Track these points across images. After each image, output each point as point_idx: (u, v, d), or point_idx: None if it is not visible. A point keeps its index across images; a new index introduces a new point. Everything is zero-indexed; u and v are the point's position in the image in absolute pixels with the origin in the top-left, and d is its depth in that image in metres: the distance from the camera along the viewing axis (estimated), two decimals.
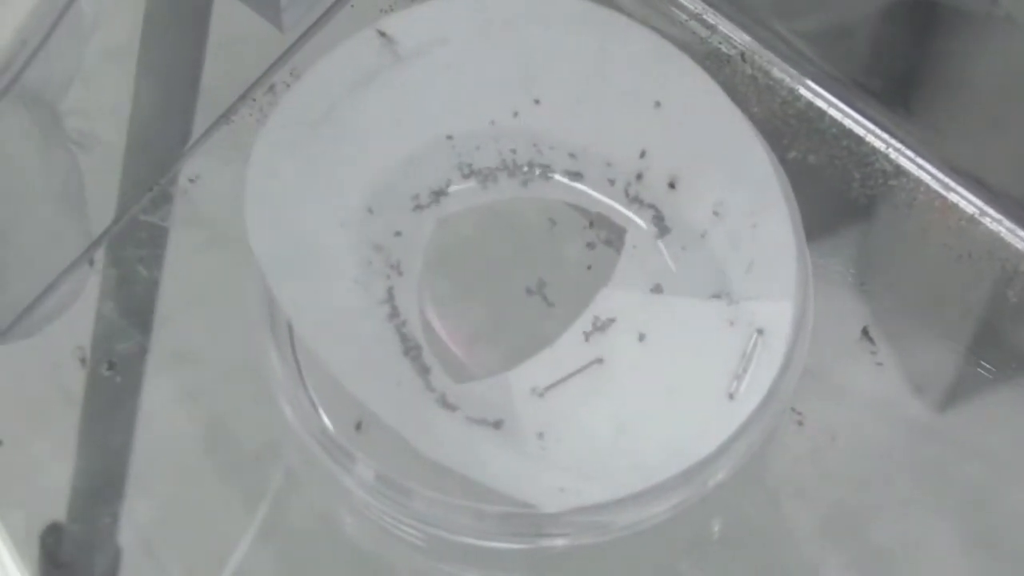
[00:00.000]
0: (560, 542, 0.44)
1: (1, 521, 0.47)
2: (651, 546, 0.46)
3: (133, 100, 0.54)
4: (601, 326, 0.48)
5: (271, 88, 0.53)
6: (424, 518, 0.45)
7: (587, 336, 0.48)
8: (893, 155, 0.52)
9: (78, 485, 0.48)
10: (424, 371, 0.47)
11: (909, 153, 0.52)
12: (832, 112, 0.53)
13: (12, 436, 0.49)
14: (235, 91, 0.53)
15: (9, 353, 0.51)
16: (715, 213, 0.49)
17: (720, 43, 0.55)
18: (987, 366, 0.50)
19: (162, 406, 0.50)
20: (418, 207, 0.50)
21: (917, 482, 0.48)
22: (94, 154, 0.55)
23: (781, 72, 0.54)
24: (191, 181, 0.52)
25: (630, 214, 0.50)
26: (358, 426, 0.45)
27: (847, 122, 0.53)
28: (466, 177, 0.51)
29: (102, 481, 0.49)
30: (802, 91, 0.54)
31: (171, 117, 0.55)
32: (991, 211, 0.51)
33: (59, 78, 0.54)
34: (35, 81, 0.53)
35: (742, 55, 0.54)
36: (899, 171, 0.52)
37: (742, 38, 0.54)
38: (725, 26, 0.55)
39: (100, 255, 0.52)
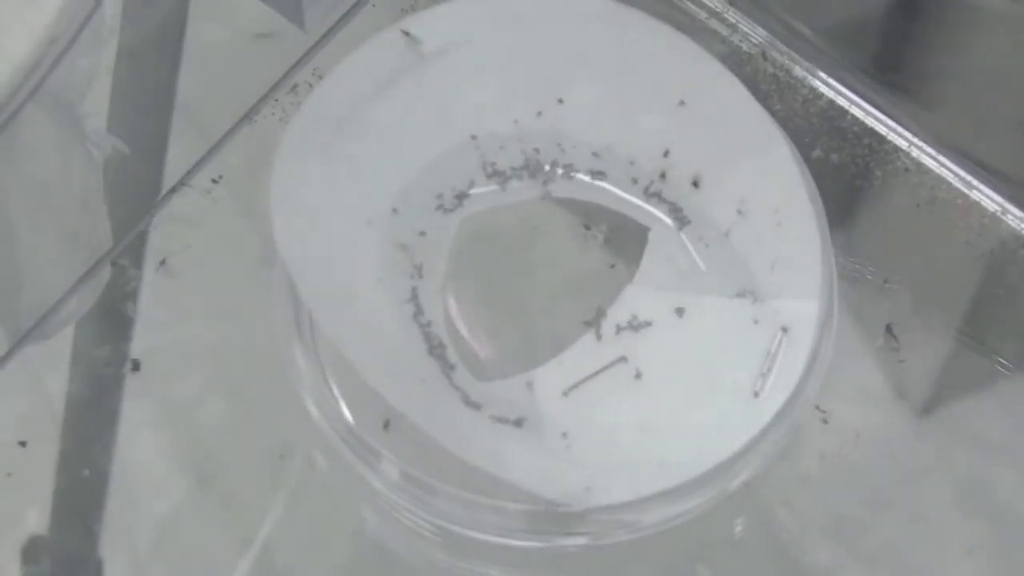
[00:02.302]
0: (582, 541, 0.45)
1: None
2: (673, 546, 0.46)
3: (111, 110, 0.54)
4: (625, 325, 0.48)
5: (294, 88, 0.53)
6: (448, 516, 0.45)
7: (611, 335, 0.48)
8: (915, 153, 0.52)
9: (59, 497, 0.48)
10: (449, 370, 0.47)
11: (931, 151, 0.52)
12: (854, 110, 0.53)
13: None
14: (257, 91, 0.53)
15: (28, 356, 0.51)
16: (739, 211, 0.49)
17: (741, 41, 0.55)
18: (1006, 363, 0.50)
19: (176, 405, 0.50)
20: (442, 207, 0.50)
21: (941, 480, 0.48)
22: (114, 156, 0.54)
23: (802, 70, 0.54)
24: (214, 181, 0.52)
25: (654, 212, 0.50)
26: (386, 425, 0.45)
27: (869, 120, 0.53)
28: (490, 177, 0.51)
29: (84, 492, 0.49)
30: (824, 89, 0.54)
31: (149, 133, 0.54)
32: (1013, 209, 0.51)
33: (79, 80, 0.54)
34: (56, 83, 0.53)
35: (763, 53, 0.54)
36: (921, 169, 0.52)
37: (763, 36, 0.54)
38: (746, 24, 0.55)
39: (119, 256, 0.52)
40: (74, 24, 0.49)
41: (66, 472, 0.49)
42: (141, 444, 0.49)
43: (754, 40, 0.54)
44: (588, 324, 0.48)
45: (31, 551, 0.47)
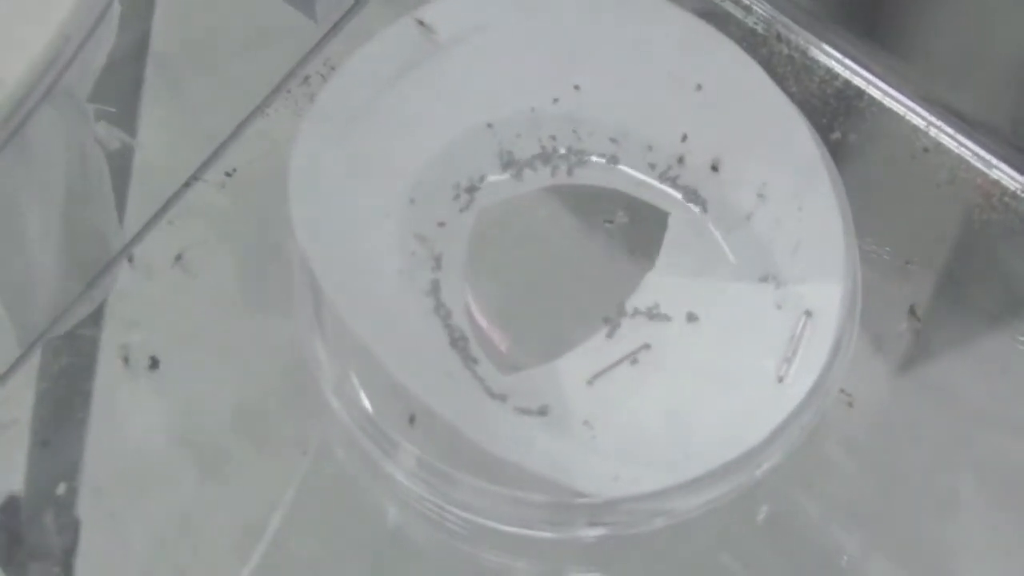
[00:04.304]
0: (607, 532, 0.44)
1: None
2: (698, 534, 0.46)
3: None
4: (647, 312, 0.48)
5: (306, 80, 0.53)
6: (471, 507, 0.44)
7: (634, 322, 0.48)
8: (934, 132, 0.52)
9: (35, 459, 0.48)
10: (472, 362, 0.47)
11: (950, 130, 0.52)
12: (871, 91, 0.53)
13: None
14: (269, 83, 0.53)
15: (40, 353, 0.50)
16: (759, 195, 0.48)
17: (756, 23, 0.54)
18: None
19: (194, 400, 0.49)
20: (459, 196, 0.50)
21: (967, 462, 0.48)
22: (126, 151, 0.54)
23: (818, 51, 0.53)
24: (228, 175, 0.52)
25: (673, 197, 0.50)
26: (411, 419, 0.45)
27: (887, 100, 0.53)
28: (506, 165, 0.50)
29: (60, 454, 0.48)
30: (840, 69, 0.53)
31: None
32: None
33: (88, 75, 0.54)
34: (68, 79, 0.52)
35: (778, 35, 0.54)
36: (940, 148, 0.52)
37: (778, 18, 0.54)
38: (760, 6, 0.54)
39: (133, 252, 0.51)
40: (88, 20, 0.49)
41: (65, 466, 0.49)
42: (158, 438, 0.49)
43: (769, 22, 0.54)
44: (607, 321, 0.48)
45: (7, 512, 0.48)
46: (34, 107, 0.49)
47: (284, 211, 0.46)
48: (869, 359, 0.49)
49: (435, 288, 0.48)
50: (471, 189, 0.50)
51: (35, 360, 0.50)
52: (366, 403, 0.46)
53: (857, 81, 0.53)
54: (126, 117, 0.54)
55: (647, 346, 0.48)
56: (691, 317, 0.48)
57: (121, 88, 0.55)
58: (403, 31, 0.49)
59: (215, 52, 0.56)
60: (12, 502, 0.48)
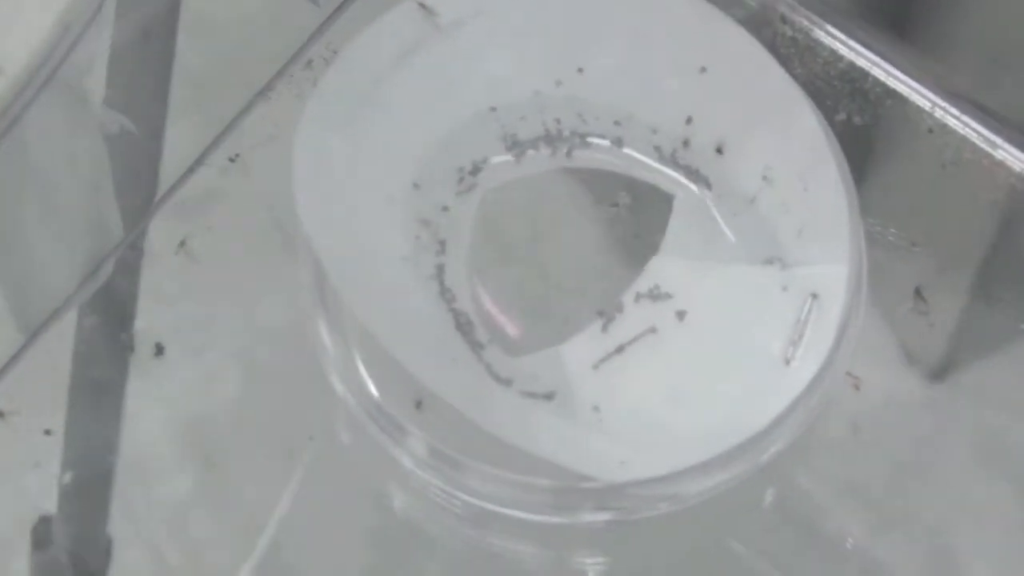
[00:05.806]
0: (613, 517, 0.44)
1: None
2: (705, 519, 0.46)
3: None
4: (653, 295, 0.48)
5: (309, 64, 0.53)
6: (478, 493, 0.44)
7: (639, 306, 0.48)
8: (939, 114, 0.52)
9: (67, 477, 0.48)
10: (478, 347, 0.47)
11: (955, 111, 0.52)
12: (875, 72, 0.53)
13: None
14: (272, 67, 0.53)
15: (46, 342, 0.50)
16: (764, 178, 0.48)
17: (759, 5, 0.54)
18: None
19: (199, 386, 0.49)
20: (464, 180, 0.50)
21: (972, 445, 0.48)
22: (128, 138, 0.54)
23: (822, 32, 0.53)
24: (231, 160, 0.52)
25: (678, 180, 0.50)
26: (418, 405, 0.45)
27: (891, 81, 0.53)
28: (510, 148, 0.50)
29: (92, 472, 0.48)
30: (844, 51, 0.53)
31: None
32: None
33: (88, 63, 0.54)
34: (67, 68, 0.52)
35: (782, 16, 0.54)
36: (945, 129, 0.52)
37: None
38: None
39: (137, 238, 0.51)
40: (89, 9, 0.49)
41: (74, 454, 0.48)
42: (163, 424, 0.49)
43: (773, 3, 0.54)
44: (612, 305, 0.48)
45: (40, 532, 0.47)
46: (34, 96, 0.49)
47: (288, 196, 0.46)
48: (875, 341, 0.49)
49: (439, 272, 0.48)
50: (475, 171, 0.50)
51: (38, 349, 0.50)
52: (372, 388, 0.46)
53: (862, 62, 0.53)
54: (129, 103, 0.54)
55: (652, 330, 0.47)
56: (696, 300, 0.48)
57: (124, 74, 0.55)
58: (405, 15, 0.49)
59: (217, 37, 0.56)
60: (45, 521, 0.47)
